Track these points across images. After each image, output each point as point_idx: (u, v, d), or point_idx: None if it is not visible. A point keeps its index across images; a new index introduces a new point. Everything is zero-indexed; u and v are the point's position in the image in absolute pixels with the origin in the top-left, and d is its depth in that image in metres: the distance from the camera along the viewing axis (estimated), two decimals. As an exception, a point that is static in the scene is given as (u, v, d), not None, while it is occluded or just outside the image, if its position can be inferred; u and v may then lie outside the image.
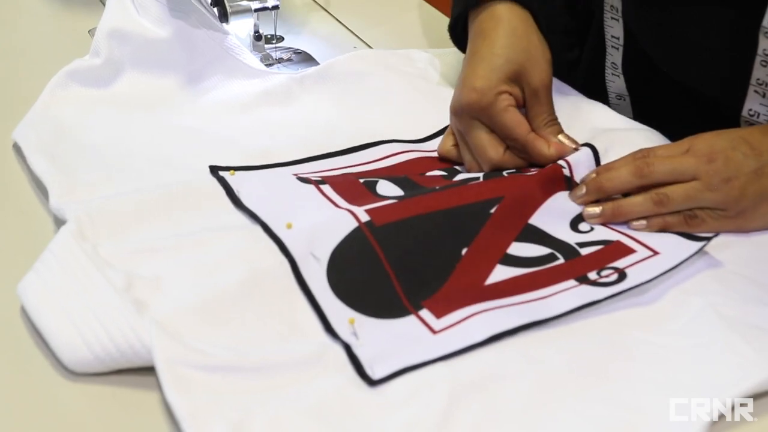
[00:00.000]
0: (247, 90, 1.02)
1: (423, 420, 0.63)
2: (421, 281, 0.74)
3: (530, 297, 0.73)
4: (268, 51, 1.14)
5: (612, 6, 1.01)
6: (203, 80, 1.03)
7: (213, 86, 1.03)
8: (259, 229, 0.79)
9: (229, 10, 1.09)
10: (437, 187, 0.85)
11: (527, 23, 0.92)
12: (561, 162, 0.87)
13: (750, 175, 0.79)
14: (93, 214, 0.79)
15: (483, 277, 0.75)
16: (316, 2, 1.29)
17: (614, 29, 1.02)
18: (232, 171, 0.87)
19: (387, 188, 0.86)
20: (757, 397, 0.66)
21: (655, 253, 0.78)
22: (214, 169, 0.88)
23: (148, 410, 0.65)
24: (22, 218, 0.85)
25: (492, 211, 0.81)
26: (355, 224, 0.78)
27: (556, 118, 0.91)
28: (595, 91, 1.04)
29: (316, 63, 1.13)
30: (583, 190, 0.83)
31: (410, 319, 0.71)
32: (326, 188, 0.84)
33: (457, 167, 0.92)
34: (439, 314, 0.71)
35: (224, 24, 1.08)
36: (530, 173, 0.88)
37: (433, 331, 0.70)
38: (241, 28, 1.13)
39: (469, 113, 0.89)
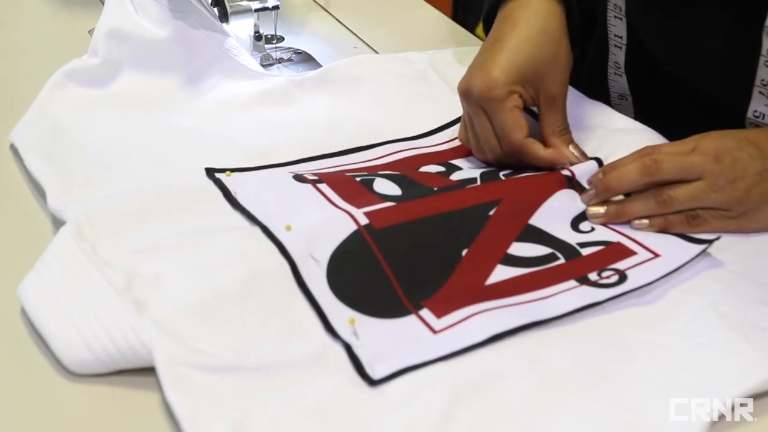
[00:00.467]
0: (246, 90, 1.02)
1: (423, 420, 0.63)
2: (421, 281, 0.74)
3: (531, 297, 0.73)
4: (268, 51, 1.14)
5: (615, 5, 1.00)
6: (202, 81, 1.03)
7: (211, 87, 1.03)
8: (257, 230, 0.79)
9: (229, 10, 1.09)
10: (435, 189, 0.85)
11: (560, 23, 0.90)
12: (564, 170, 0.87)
13: (755, 177, 0.79)
14: (92, 215, 0.79)
15: (483, 277, 0.75)
16: (316, 2, 1.29)
17: (617, 28, 1.01)
18: (228, 172, 0.87)
19: (384, 186, 0.86)
20: (757, 397, 0.66)
21: (656, 255, 0.78)
22: (210, 171, 0.87)
23: (149, 410, 0.65)
24: (21, 219, 0.85)
25: (491, 213, 0.81)
26: (354, 227, 0.78)
27: (568, 127, 0.90)
28: (597, 91, 1.04)
29: (317, 63, 1.13)
30: (592, 192, 0.83)
31: (411, 319, 0.71)
32: (324, 187, 0.84)
33: (453, 162, 0.92)
34: (439, 314, 0.71)
35: (224, 24, 1.08)
36: (528, 174, 0.88)
37: (434, 331, 0.70)
38: (241, 28, 1.13)
39: (476, 100, 0.88)
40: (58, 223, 0.80)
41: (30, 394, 0.67)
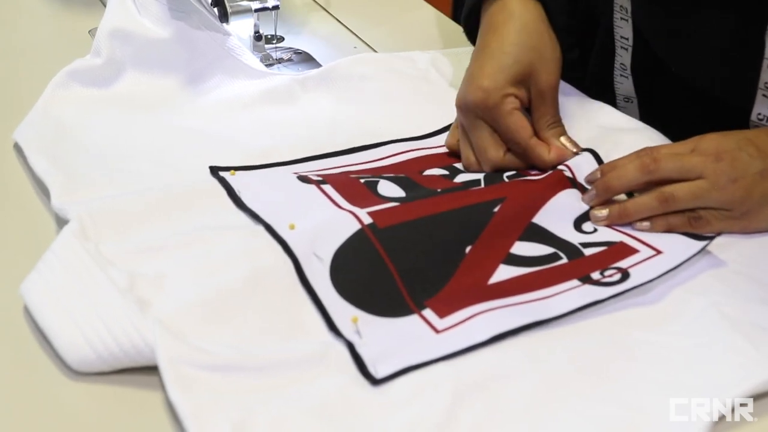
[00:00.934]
0: (249, 90, 1.03)
1: (426, 419, 0.63)
2: (424, 280, 0.74)
3: (533, 297, 0.73)
4: (268, 51, 1.14)
5: (621, 6, 1.00)
6: (204, 80, 1.03)
7: (214, 86, 1.03)
8: (261, 229, 0.80)
9: (229, 10, 1.10)
10: (438, 190, 0.86)
11: (539, 19, 0.91)
12: (562, 167, 0.87)
13: (756, 176, 0.79)
14: (95, 214, 0.79)
15: (486, 277, 0.76)
16: (316, 2, 1.29)
17: (623, 30, 1.01)
18: (232, 171, 0.87)
19: (388, 188, 0.86)
20: (757, 397, 0.66)
21: (658, 252, 0.78)
22: (215, 170, 0.88)
23: (151, 409, 0.65)
24: (24, 218, 0.85)
25: (495, 210, 0.81)
26: (357, 226, 0.78)
27: (560, 120, 0.91)
28: (602, 93, 1.04)
29: (317, 63, 1.13)
30: (593, 192, 0.84)
31: (413, 319, 0.71)
32: (327, 188, 0.85)
33: (456, 165, 0.92)
34: (442, 314, 0.71)
35: (224, 24, 1.08)
36: (531, 177, 0.88)
37: (436, 331, 0.70)
38: (241, 28, 1.13)
39: (473, 111, 0.89)
40: (61, 222, 0.80)
41: (33, 392, 0.67)
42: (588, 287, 0.74)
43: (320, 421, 0.63)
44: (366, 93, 1.03)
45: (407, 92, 1.04)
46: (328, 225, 0.79)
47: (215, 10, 1.08)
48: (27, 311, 0.71)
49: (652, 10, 0.96)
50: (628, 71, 1.03)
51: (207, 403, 0.63)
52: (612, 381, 0.67)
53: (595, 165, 0.87)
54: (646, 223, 0.81)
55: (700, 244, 0.78)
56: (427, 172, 0.91)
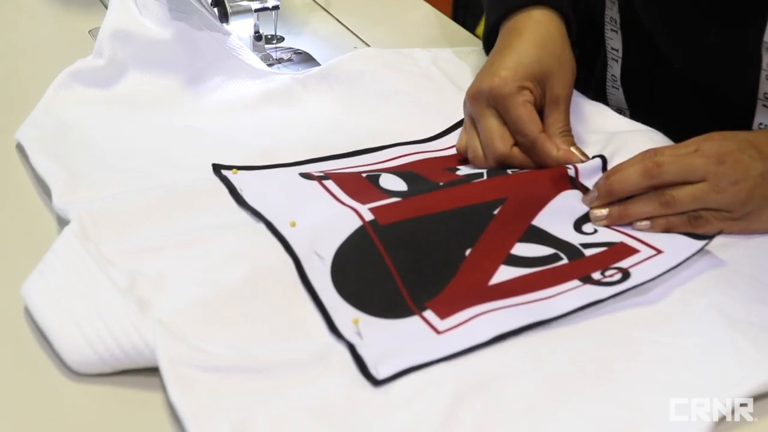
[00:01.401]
0: (250, 90, 1.03)
1: (426, 420, 0.63)
2: (425, 282, 0.74)
3: (534, 297, 0.74)
4: (268, 51, 1.14)
5: (612, 18, 1.01)
6: (206, 80, 1.03)
7: (216, 86, 1.03)
8: (262, 227, 0.80)
9: (229, 10, 1.10)
10: (441, 183, 0.85)
11: (562, 33, 0.94)
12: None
13: (757, 179, 0.79)
14: (96, 214, 0.79)
15: (487, 278, 0.76)
16: (316, 2, 1.29)
17: (614, 41, 1.02)
18: (234, 170, 0.87)
19: (390, 181, 0.86)
20: (757, 397, 0.66)
21: (659, 251, 0.78)
22: (217, 168, 0.88)
23: (152, 410, 0.65)
24: (26, 218, 0.85)
25: (495, 212, 0.81)
26: (359, 223, 0.78)
27: (570, 130, 0.91)
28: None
29: (317, 63, 1.13)
30: (595, 194, 0.84)
31: (414, 320, 0.71)
32: (329, 183, 0.85)
33: (461, 167, 0.92)
34: (442, 315, 0.71)
35: (224, 24, 1.08)
36: (535, 172, 0.88)
37: (437, 332, 0.70)
38: (241, 28, 1.13)
39: (486, 99, 0.89)
40: (63, 222, 0.80)
41: (33, 393, 0.67)
42: (589, 287, 0.75)
43: (321, 421, 0.63)
44: (367, 91, 1.03)
45: (409, 90, 1.04)
46: (330, 222, 0.79)
47: (215, 10, 1.08)
48: (27, 312, 0.71)
49: (656, 12, 0.96)
50: (619, 83, 1.04)
51: (207, 404, 0.63)
52: (612, 381, 0.67)
53: (600, 168, 0.88)
54: (646, 223, 0.81)
55: (701, 243, 0.78)
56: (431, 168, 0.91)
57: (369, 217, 0.79)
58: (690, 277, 0.76)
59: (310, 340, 0.70)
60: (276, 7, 1.11)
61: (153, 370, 0.66)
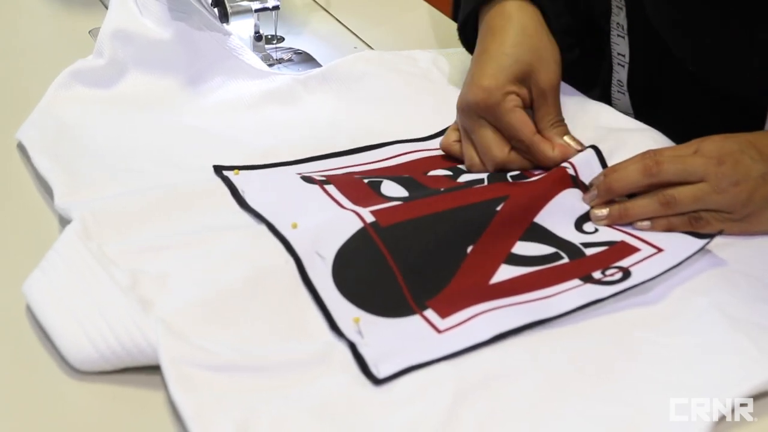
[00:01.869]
0: (251, 90, 1.03)
1: (427, 419, 0.63)
2: (426, 280, 0.74)
3: (535, 296, 0.74)
4: (268, 51, 1.14)
5: (618, 23, 1.01)
6: (207, 80, 1.03)
7: (216, 86, 1.03)
8: (263, 228, 0.80)
9: (229, 10, 1.10)
10: (442, 189, 0.86)
11: (537, 21, 0.93)
12: (565, 164, 0.87)
13: (758, 180, 0.79)
14: (98, 214, 0.79)
15: (487, 277, 0.76)
16: (316, 2, 1.29)
17: (620, 47, 1.02)
18: (236, 170, 0.88)
19: (391, 189, 0.86)
20: (757, 397, 0.66)
21: (659, 250, 0.78)
22: (218, 169, 0.88)
23: (154, 409, 0.66)
24: (27, 217, 0.85)
25: (498, 209, 0.81)
26: (360, 225, 0.78)
27: (562, 119, 0.91)
28: None
29: (317, 63, 1.13)
30: (595, 192, 0.84)
31: (415, 319, 0.71)
32: (331, 188, 0.85)
33: (460, 166, 0.92)
34: (443, 314, 0.71)
35: (224, 24, 1.09)
36: (534, 176, 0.88)
37: (438, 331, 0.70)
38: (241, 28, 1.13)
39: (475, 111, 0.89)
40: (64, 222, 0.80)
41: (35, 391, 0.67)
42: (589, 286, 0.75)
43: (322, 420, 0.63)
44: (368, 92, 1.03)
45: (409, 91, 1.04)
46: (331, 224, 0.79)
47: (215, 10, 1.09)
48: (30, 310, 0.72)
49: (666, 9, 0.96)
50: (625, 88, 1.04)
51: (209, 403, 0.63)
52: (613, 380, 0.67)
53: (598, 163, 0.88)
54: (646, 223, 0.81)
55: (702, 241, 0.78)
56: (431, 173, 0.91)
57: (370, 219, 0.79)
58: (690, 276, 0.76)
59: (312, 340, 0.70)
60: (276, 8, 1.11)
61: (155, 369, 0.66)
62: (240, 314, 0.71)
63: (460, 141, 0.93)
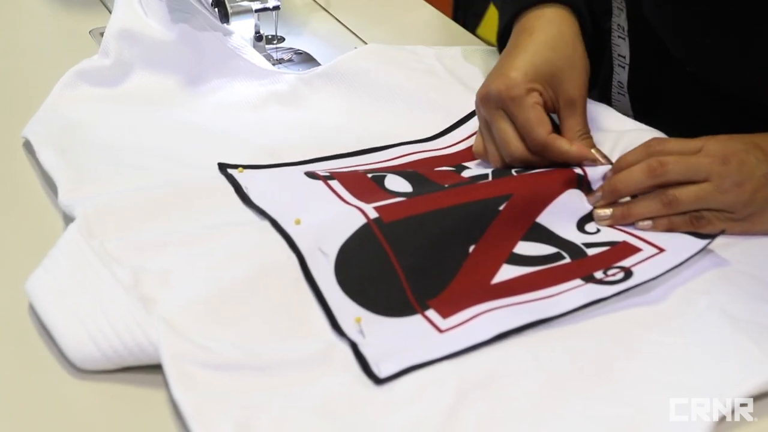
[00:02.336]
0: (255, 89, 1.03)
1: (429, 418, 0.63)
2: (428, 280, 0.75)
3: (536, 296, 0.74)
4: (269, 51, 1.14)
5: (619, 25, 1.01)
6: (211, 80, 1.04)
7: (221, 85, 1.03)
8: (267, 225, 0.80)
9: (230, 10, 1.10)
10: (446, 185, 0.86)
11: (575, 31, 0.92)
12: (577, 170, 0.86)
13: (761, 180, 0.79)
14: (100, 211, 0.79)
15: (489, 277, 0.76)
16: (316, 3, 1.29)
17: (621, 48, 1.02)
18: (240, 168, 0.88)
19: (395, 182, 0.86)
20: (757, 397, 0.67)
21: (661, 250, 0.78)
22: (223, 167, 0.88)
23: (155, 407, 0.66)
24: (31, 216, 0.85)
25: (501, 208, 0.81)
26: (363, 221, 0.78)
27: (589, 132, 0.90)
28: None
29: (317, 63, 1.13)
30: (599, 194, 0.84)
31: (416, 319, 0.71)
32: (334, 183, 0.85)
33: (465, 164, 0.92)
34: (445, 314, 0.71)
35: (225, 25, 1.09)
36: (541, 171, 0.88)
37: (440, 331, 0.70)
38: (242, 28, 1.13)
39: (496, 102, 0.88)
40: (69, 220, 0.80)
41: (37, 389, 0.67)
42: (591, 286, 0.75)
43: (323, 419, 0.64)
44: (371, 89, 1.03)
45: (413, 88, 1.03)
46: (334, 220, 0.79)
47: (216, 10, 1.09)
48: (31, 308, 0.72)
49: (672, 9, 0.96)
50: (625, 89, 1.03)
51: (210, 402, 0.64)
52: (613, 381, 0.67)
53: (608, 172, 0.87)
54: (648, 223, 0.81)
55: (703, 242, 0.78)
56: (437, 169, 0.91)
57: (373, 215, 0.79)
58: (692, 276, 0.77)
59: (313, 339, 0.70)
60: (276, 8, 1.11)
61: (156, 368, 0.67)
62: (242, 313, 0.71)
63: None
